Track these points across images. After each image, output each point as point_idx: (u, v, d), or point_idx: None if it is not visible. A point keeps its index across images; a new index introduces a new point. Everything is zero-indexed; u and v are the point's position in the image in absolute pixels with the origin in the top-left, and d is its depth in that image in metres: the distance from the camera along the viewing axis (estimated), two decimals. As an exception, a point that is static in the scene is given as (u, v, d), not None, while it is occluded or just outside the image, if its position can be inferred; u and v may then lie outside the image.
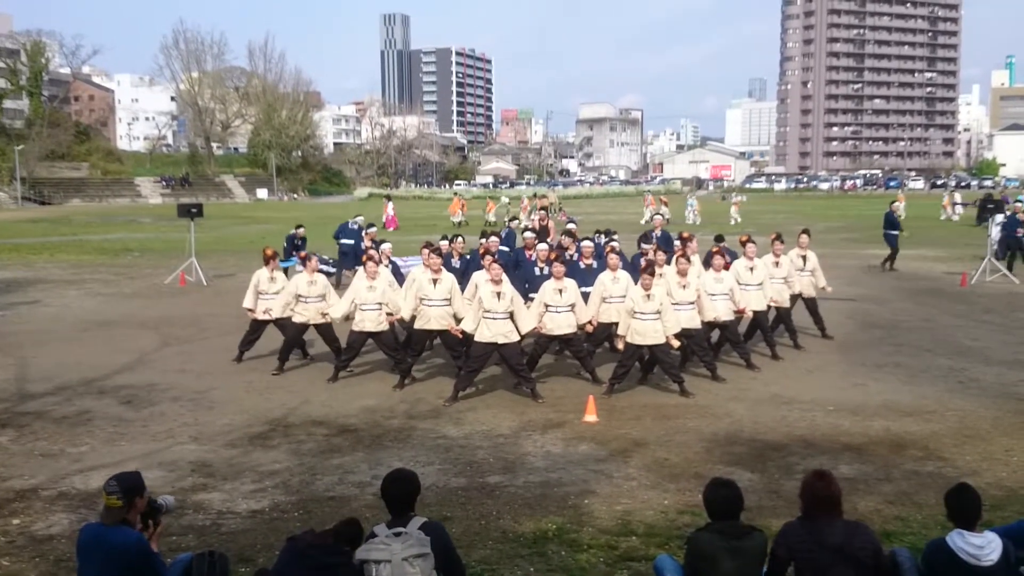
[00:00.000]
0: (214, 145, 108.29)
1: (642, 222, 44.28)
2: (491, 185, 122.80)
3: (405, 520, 4.84)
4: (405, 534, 4.72)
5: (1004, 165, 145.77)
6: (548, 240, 15.52)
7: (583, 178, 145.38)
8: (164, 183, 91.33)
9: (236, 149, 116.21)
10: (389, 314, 12.01)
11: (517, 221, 31.15)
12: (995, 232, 22.98)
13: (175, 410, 10.73)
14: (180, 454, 9.00)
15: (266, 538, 6.82)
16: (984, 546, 4.61)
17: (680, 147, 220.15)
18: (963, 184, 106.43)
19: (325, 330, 12.87)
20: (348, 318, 12.30)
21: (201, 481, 8.18)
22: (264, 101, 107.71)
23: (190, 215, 23.53)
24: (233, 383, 12.11)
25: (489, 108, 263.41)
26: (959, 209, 48.67)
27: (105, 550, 4.80)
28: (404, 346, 12.57)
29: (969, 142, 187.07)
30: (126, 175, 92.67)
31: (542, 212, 20.33)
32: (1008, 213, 25.50)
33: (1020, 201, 25.21)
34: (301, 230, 22.74)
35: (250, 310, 13.33)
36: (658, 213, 24.20)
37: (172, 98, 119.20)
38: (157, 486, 7.63)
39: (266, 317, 13.11)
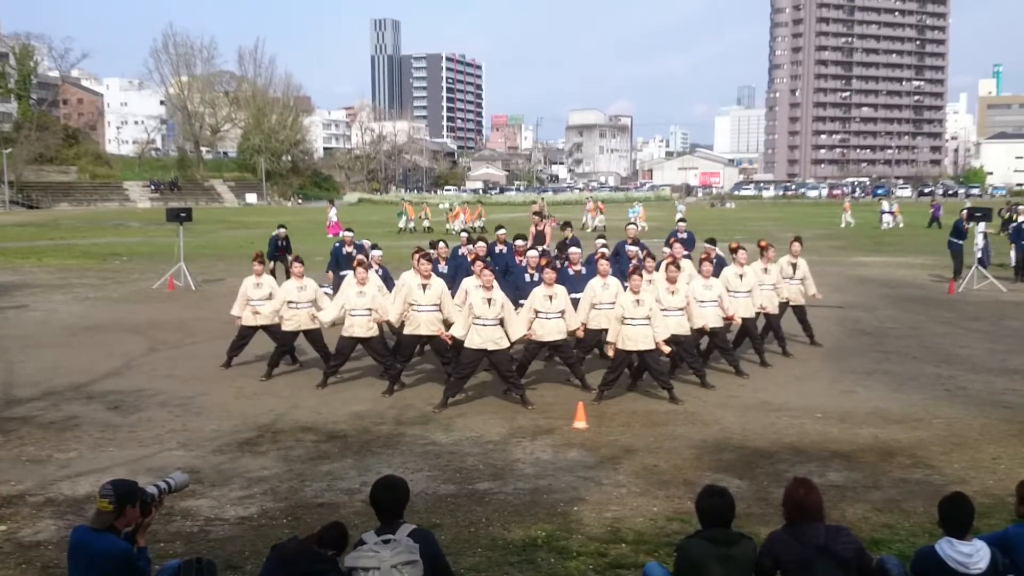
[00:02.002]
0: (203, 149, 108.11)
1: (589, 230, 44.39)
2: (480, 191, 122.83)
3: (394, 527, 4.82)
4: (394, 541, 4.70)
5: (991, 173, 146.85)
6: (544, 245, 15.55)
7: (573, 184, 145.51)
8: (153, 187, 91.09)
9: (225, 153, 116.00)
10: (378, 317, 11.97)
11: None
12: (980, 240, 23.10)
13: (163, 416, 10.68)
14: (168, 460, 8.95)
15: (254, 545, 6.79)
16: (973, 554, 4.63)
17: (669, 154, 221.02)
18: (950, 192, 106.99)
19: (315, 336, 12.84)
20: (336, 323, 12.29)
21: (189, 488, 8.11)
22: (254, 105, 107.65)
23: (179, 219, 23.47)
24: (221, 389, 12.07)
25: (479, 114, 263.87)
26: (887, 218, 49.83)
27: (90, 555, 4.78)
28: (393, 352, 12.55)
29: (956, 150, 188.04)
30: (115, 179, 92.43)
31: (536, 217, 20.32)
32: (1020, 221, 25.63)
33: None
34: (282, 230, 22.63)
35: (238, 318, 13.29)
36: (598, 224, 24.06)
37: (161, 102, 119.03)
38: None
39: (255, 322, 13.06)
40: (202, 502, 7.79)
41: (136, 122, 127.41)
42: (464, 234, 16.51)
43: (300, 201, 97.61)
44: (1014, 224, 27.29)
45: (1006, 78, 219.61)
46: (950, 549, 4.66)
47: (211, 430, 10.08)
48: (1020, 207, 29.95)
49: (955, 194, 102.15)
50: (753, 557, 4.77)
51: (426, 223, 47.89)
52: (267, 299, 13.05)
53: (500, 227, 15.75)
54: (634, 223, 16.44)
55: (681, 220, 16.25)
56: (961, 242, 23.60)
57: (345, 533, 4.92)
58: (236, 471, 8.64)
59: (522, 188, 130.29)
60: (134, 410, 10.94)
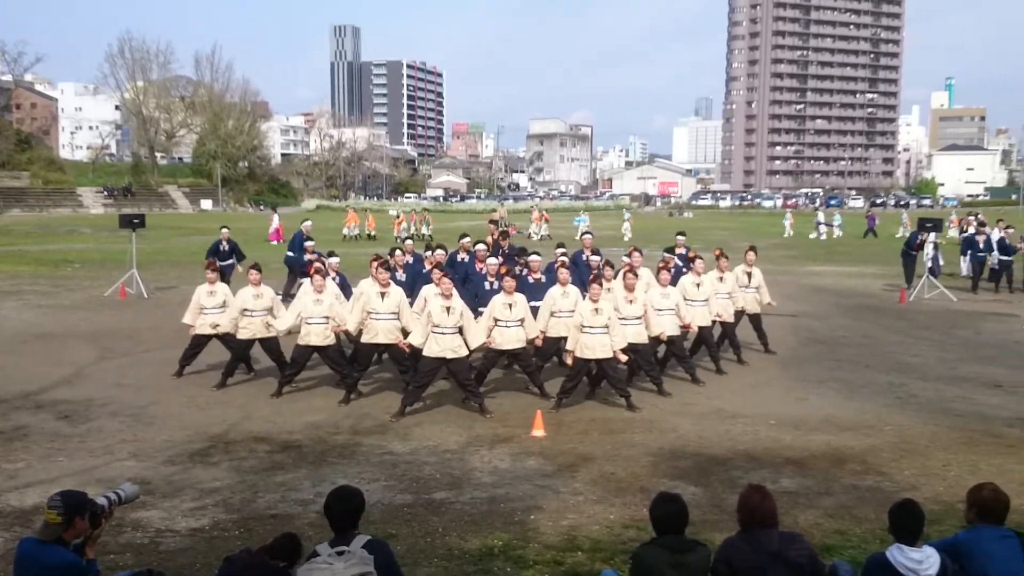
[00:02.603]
0: (158, 155, 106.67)
1: (535, 238, 44.65)
2: (441, 198, 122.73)
3: (348, 538, 4.77)
4: (348, 553, 4.65)
5: (942, 185, 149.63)
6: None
7: (533, 192, 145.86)
8: (106, 193, 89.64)
9: (181, 159, 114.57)
10: (336, 326, 11.90)
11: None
12: (929, 250, 23.53)
13: (114, 426, 10.50)
14: (119, 471, 8.80)
15: (206, 557, 6.69)
16: (923, 560, 4.69)
17: (629, 163, 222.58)
18: (902, 203, 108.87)
19: (270, 344, 12.71)
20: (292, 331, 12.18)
21: (140, 499, 7.99)
22: (210, 111, 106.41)
23: (132, 226, 23.13)
24: (173, 398, 11.89)
25: (440, 121, 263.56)
26: (823, 229, 51.02)
27: (37, 568, 4.67)
28: (350, 360, 12.47)
29: (908, 162, 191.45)
30: (68, 185, 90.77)
31: (492, 226, 20.27)
32: (970, 233, 26.12)
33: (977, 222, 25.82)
34: (225, 231, 21.66)
35: (190, 326, 13.12)
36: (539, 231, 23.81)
37: (116, 107, 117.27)
38: (94, 504, 7.45)
39: (209, 330, 12.90)
40: (153, 513, 7.66)
41: (91, 127, 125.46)
42: (409, 242, 16.54)
43: (263, 207, 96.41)
44: (964, 235, 27.84)
45: (958, 91, 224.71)
46: (900, 556, 4.71)
47: (163, 440, 9.93)
48: (971, 218, 30.54)
49: (907, 205, 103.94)
50: (708, 564, 4.79)
51: (368, 231, 47.66)
52: (221, 307, 12.89)
53: (464, 235, 15.72)
54: (590, 232, 16.47)
55: (680, 234, 16.20)
56: (915, 252, 23.99)
57: (298, 544, 4.86)
58: (188, 482, 8.52)
59: (483, 196, 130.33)
60: (84, 420, 10.75)
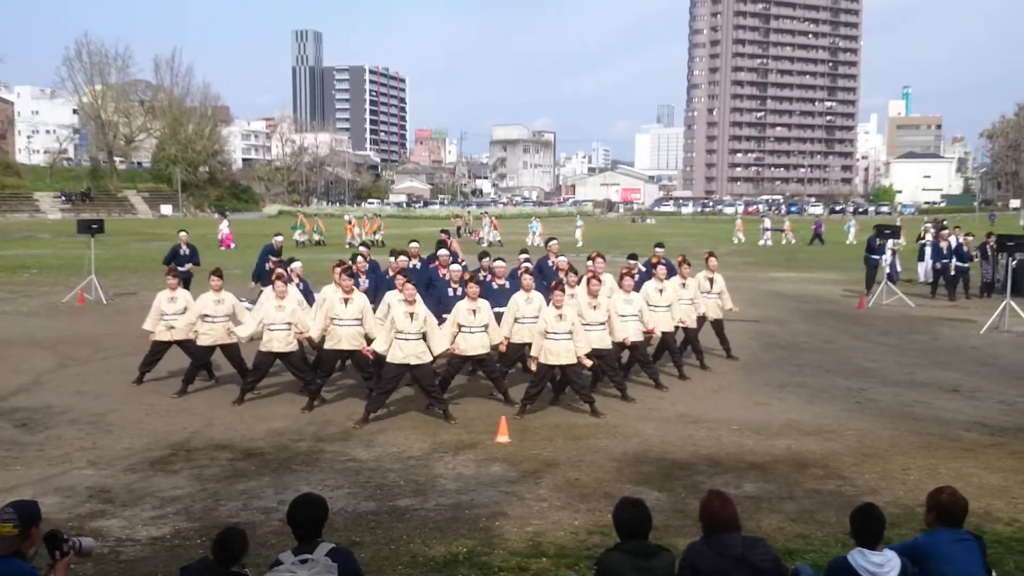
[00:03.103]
0: (117, 160, 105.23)
1: (485, 244, 44.69)
2: (404, 204, 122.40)
3: (312, 546, 4.74)
4: (311, 561, 4.62)
5: (900, 192, 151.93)
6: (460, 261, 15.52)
7: (496, 198, 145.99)
8: (64, 198, 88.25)
9: (140, 164, 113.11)
10: (299, 332, 11.82)
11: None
12: (888, 256, 23.89)
13: (72, 433, 10.34)
14: (77, 479, 8.67)
15: (167, 566, 6.61)
16: (884, 563, 4.76)
17: (592, 170, 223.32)
18: (860, 210, 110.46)
19: (231, 351, 12.58)
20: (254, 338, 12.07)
21: (99, 507, 7.89)
22: (170, 115, 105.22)
23: (90, 231, 22.83)
24: (133, 405, 11.74)
25: (403, 127, 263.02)
26: (769, 235, 51.79)
27: (-7, 582, 4.58)
28: (313, 367, 12.39)
29: (867, 169, 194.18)
30: (24, 189, 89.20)
31: (443, 233, 20.26)
32: (931, 240, 26.49)
33: (945, 228, 26.16)
34: (183, 235, 21.37)
35: (151, 332, 12.96)
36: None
37: (74, 111, 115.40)
38: (53, 512, 7.34)
39: (170, 336, 12.76)
40: (112, 522, 7.55)
41: (48, 131, 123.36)
42: (363, 247, 16.45)
43: (228, 212, 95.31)
44: (921, 241, 28.29)
45: (915, 99, 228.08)
46: (862, 559, 4.78)
47: (122, 448, 9.80)
48: (928, 225, 31.02)
49: (865, 212, 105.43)
50: (672, 569, 4.82)
51: (317, 236, 47.13)
52: (181, 313, 12.75)
53: (413, 240, 15.68)
54: (555, 238, 16.49)
55: (658, 246, 16.09)
56: (877, 257, 24.31)
57: (243, 536, 4.81)
58: (148, 490, 8.41)
59: (446, 202, 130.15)
60: (42, 428, 10.57)
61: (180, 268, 17.05)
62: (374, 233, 47.62)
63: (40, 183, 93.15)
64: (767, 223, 54.77)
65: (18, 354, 15.33)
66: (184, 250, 20.65)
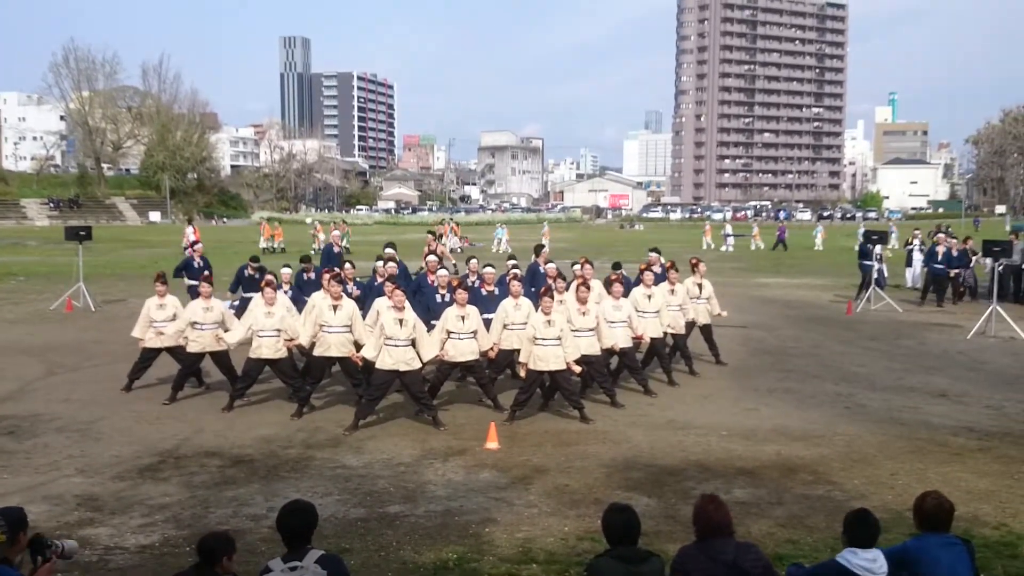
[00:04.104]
0: (105, 166, 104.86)
1: (449, 251, 44.56)
2: (392, 211, 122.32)
3: (301, 553, 4.73)
4: (301, 568, 4.61)
5: (887, 198, 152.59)
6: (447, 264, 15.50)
7: (485, 205, 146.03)
8: (52, 205, 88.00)
9: (128, 171, 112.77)
10: (289, 339, 11.81)
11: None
12: (876, 262, 24.00)
13: (60, 441, 10.30)
14: (66, 487, 8.64)
15: (156, 574, 6.59)
16: (876, 559, 4.81)
17: (580, 176, 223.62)
18: (848, 215, 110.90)
19: (221, 358, 12.55)
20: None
21: (88, 515, 7.86)
22: (158, 122, 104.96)
23: (78, 238, 22.76)
24: (122, 413, 11.69)
25: (391, 133, 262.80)
26: (731, 241, 52.19)
27: (-20, 589, 4.57)
28: (303, 374, 12.37)
29: (854, 175, 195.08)
30: (11, 196, 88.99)
31: (430, 236, 20.24)
32: (920, 245, 26.61)
33: (944, 233, 26.19)
34: (199, 246, 20.33)
35: (140, 340, 12.92)
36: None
37: (61, 117, 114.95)
38: (42, 520, 7.31)
39: (159, 343, 12.72)
40: (101, 530, 7.53)
41: (35, 138, 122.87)
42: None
43: (225, 220, 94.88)
44: (908, 247, 28.41)
45: (901, 106, 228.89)
46: (854, 558, 4.81)
47: (111, 456, 9.76)
48: (916, 231, 31.12)
49: (853, 217, 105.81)
50: (662, 574, 4.82)
51: (277, 243, 45.87)
52: (170, 320, 12.72)
53: (389, 244, 15.51)
54: (544, 244, 16.51)
55: (653, 251, 16.03)
56: (871, 263, 24.38)
57: (225, 536, 4.82)
58: (137, 498, 8.38)
59: (435, 208, 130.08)
60: (30, 435, 10.52)
61: (192, 281, 16.81)
62: (342, 240, 47.06)
63: (27, 190, 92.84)
64: (728, 228, 55.24)
65: (5, 362, 15.25)
66: (197, 262, 19.03)
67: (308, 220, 54.79)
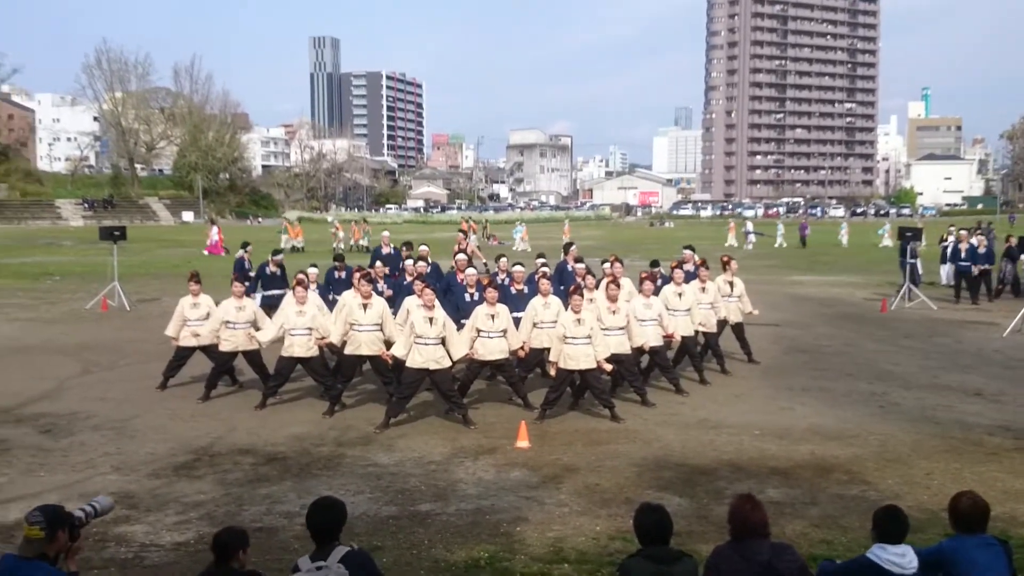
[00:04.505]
0: (138, 167, 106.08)
1: (470, 249, 44.27)
2: (422, 209, 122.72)
3: (328, 551, 4.72)
4: (325, 568, 4.59)
5: (921, 194, 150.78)
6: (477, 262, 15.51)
7: (514, 203, 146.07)
8: (86, 205, 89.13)
9: (161, 171, 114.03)
10: (320, 338, 11.88)
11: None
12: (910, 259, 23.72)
13: (96, 439, 10.43)
14: (101, 485, 8.73)
15: (190, 571, 6.64)
16: (905, 554, 4.75)
17: (609, 174, 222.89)
18: (882, 212, 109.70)
19: (253, 357, 12.67)
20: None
21: (123, 513, 7.94)
22: (190, 122, 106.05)
23: (113, 238, 23.03)
24: (156, 411, 11.82)
25: (420, 132, 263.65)
26: (752, 238, 51.07)
27: (19, 585, 4.62)
28: (334, 372, 12.44)
29: (888, 171, 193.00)
30: (46, 197, 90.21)
31: (460, 235, 20.28)
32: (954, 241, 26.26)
33: (982, 230, 25.86)
34: (278, 256, 17.98)
35: (173, 339, 13.05)
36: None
37: (95, 118, 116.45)
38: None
39: (194, 343, 12.85)
40: (137, 528, 7.61)
41: (69, 139, 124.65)
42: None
43: (260, 220, 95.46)
44: (943, 244, 28.05)
45: (934, 100, 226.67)
46: (884, 553, 4.76)
47: (146, 453, 9.87)
48: (952, 227, 30.72)
49: (886, 214, 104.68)
50: (695, 575, 4.79)
51: (296, 242, 44.93)
52: (204, 319, 12.85)
53: (407, 243, 15.50)
54: (572, 243, 16.46)
55: (688, 248, 15.93)
56: (914, 261, 24.08)
57: (238, 530, 4.85)
58: (172, 495, 8.47)
59: (463, 207, 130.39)
60: (66, 434, 10.67)
61: (266, 293, 16.38)
62: (362, 239, 47.10)
63: (62, 190, 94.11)
64: (749, 226, 53.95)
65: (42, 361, 15.47)
66: (274, 270, 17.33)
67: (329, 219, 54.64)
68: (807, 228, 53.24)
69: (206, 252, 41.93)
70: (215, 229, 44.64)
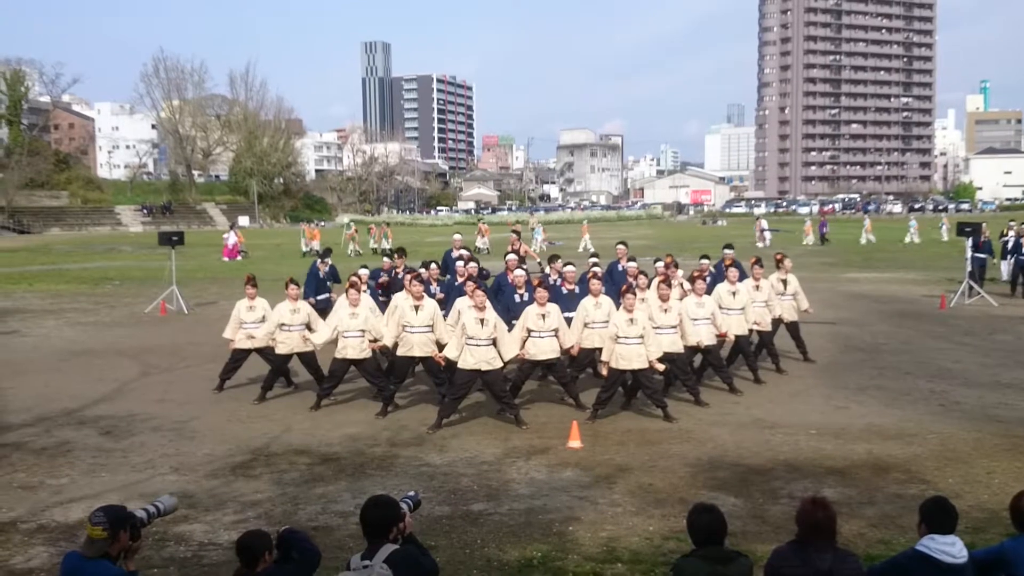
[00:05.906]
0: (195, 173, 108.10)
1: (484, 251, 43.54)
2: (472, 211, 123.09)
3: (375, 549, 4.73)
4: (370, 567, 4.59)
5: (980, 189, 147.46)
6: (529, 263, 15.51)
7: (564, 203, 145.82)
8: (145, 211, 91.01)
9: (217, 176, 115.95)
10: (373, 341, 11.98)
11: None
12: (970, 255, 23.20)
13: (156, 440, 10.64)
14: (161, 485, 8.90)
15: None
16: (954, 543, 4.66)
17: (660, 172, 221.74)
18: (940, 207, 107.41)
19: (308, 358, 12.83)
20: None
21: (182, 512, 8.08)
22: (245, 128, 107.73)
23: (171, 243, 23.44)
24: (214, 412, 12.02)
25: (471, 134, 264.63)
26: (768, 236, 49.54)
27: (83, 583, 4.72)
28: (387, 373, 12.53)
29: (946, 166, 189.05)
30: (106, 203, 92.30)
31: (513, 235, 20.26)
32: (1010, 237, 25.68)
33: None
34: (327, 261, 17.85)
35: (230, 340, 13.26)
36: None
37: (153, 126, 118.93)
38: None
39: (249, 345, 13.04)
40: (196, 527, 7.75)
41: (127, 146, 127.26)
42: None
43: (323, 223, 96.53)
44: (1004, 239, 27.40)
45: (993, 94, 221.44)
46: (934, 544, 4.66)
47: (204, 454, 10.04)
48: (1012, 222, 30.00)
49: (945, 209, 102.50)
50: (750, 575, 4.74)
51: (314, 244, 44.60)
52: (260, 322, 13.04)
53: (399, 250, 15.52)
54: (624, 242, 16.36)
55: (727, 247, 15.75)
56: (984, 256, 23.50)
57: (262, 533, 4.86)
58: (230, 495, 8.60)
59: (514, 208, 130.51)
60: (127, 435, 10.89)
61: (319, 296, 16.35)
62: (383, 241, 47.06)
63: (121, 197, 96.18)
64: (763, 223, 52.14)
65: (102, 363, 15.82)
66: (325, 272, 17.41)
67: (345, 221, 54.69)
68: (826, 225, 51.95)
69: (225, 258, 42.04)
70: (232, 234, 44.84)
